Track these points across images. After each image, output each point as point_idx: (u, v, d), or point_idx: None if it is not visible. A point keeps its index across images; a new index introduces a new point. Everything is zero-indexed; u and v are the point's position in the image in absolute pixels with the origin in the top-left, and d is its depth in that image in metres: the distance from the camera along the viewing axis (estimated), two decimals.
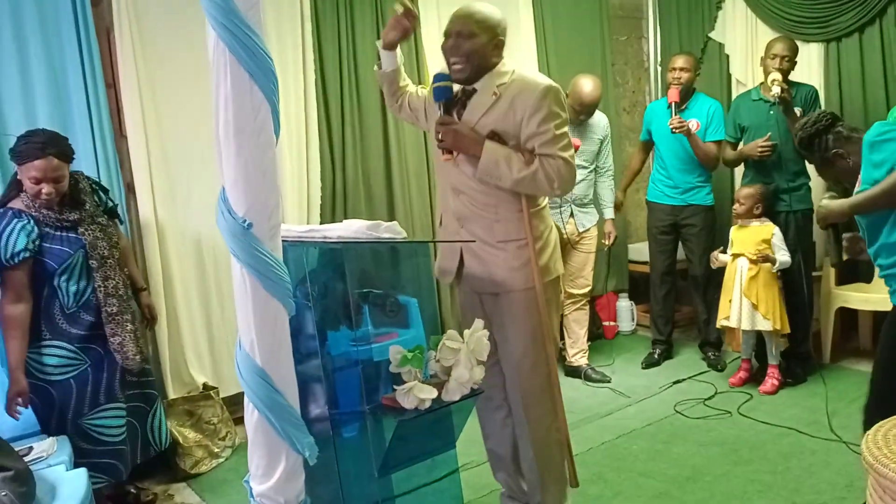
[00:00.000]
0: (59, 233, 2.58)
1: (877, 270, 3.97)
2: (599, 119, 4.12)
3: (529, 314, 2.32)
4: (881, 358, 2.40)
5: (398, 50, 2.48)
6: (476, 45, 2.21)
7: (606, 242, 4.27)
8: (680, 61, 4.14)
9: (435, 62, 4.08)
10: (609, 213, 4.26)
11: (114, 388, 2.71)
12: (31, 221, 2.52)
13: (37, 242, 2.52)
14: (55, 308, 2.61)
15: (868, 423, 2.27)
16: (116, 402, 2.72)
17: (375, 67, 2.57)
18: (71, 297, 2.62)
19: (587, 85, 3.93)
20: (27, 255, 2.49)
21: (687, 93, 4.12)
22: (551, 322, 2.40)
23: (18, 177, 2.56)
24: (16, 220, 2.50)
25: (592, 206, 4.18)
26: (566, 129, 2.25)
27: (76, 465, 2.47)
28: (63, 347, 2.62)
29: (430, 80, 2.33)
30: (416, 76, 4.09)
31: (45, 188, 2.51)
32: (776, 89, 3.62)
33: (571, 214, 4.04)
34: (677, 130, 3.94)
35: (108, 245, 2.69)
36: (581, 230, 4.07)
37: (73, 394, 2.63)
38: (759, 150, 3.78)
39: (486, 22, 2.23)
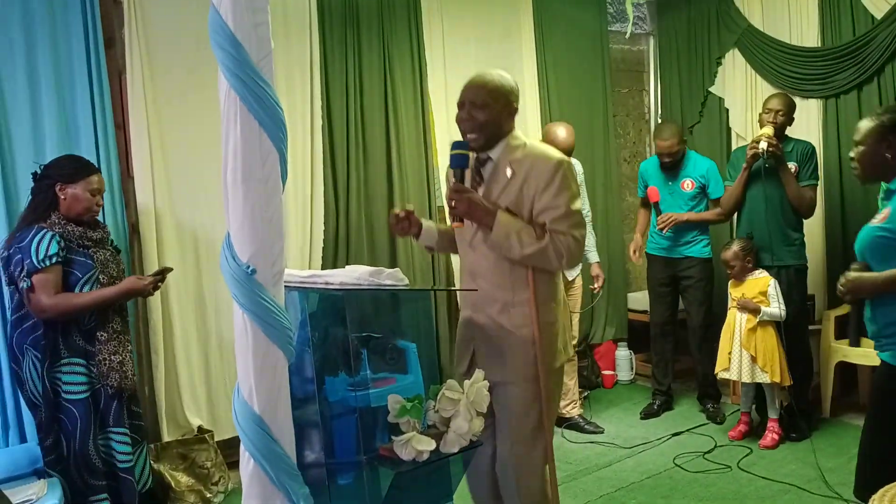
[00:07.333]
0: (81, 249, 2.70)
1: None
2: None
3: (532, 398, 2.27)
4: (869, 416, 2.36)
5: (424, 224, 2.40)
6: (489, 116, 2.22)
7: (597, 285, 4.22)
8: (666, 132, 4.17)
9: (442, 123, 4.21)
10: (593, 257, 4.23)
11: (120, 414, 2.74)
12: (58, 236, 2.63)
13: (64, 252, 2.62)
14: (73, 324, 2.66)
15: (859, 483, 2.23)
16: (122, 426, 2.74)
17: (426, 248, 2.55)
18: (88, 312, 2.67)
19: (561, 132, 3.90)
20: (58, 260, 2.58)
21: (678, 162, 4.18)
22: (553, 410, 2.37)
23: (62, 196, 2.66)
24: (45, 230, 2.61)
25: None
26: (579, 203, 2.24)
27: (92, 489, 2.61)
28: (81, 364, 2.66)
29: (449, 148, 2.35)
30: (423, 139, 4.18)
31: (99, 199, 2.76)
32: (763, 144, 3.66)
33: None
34: (667, 227, 4.08)
35: (116, 268, 2.82)
36: (569, 279, 4.04)
37: (90, 412, 2.66)
38: (750, 148, 3.71)
39: (498, 91, 2.24)
